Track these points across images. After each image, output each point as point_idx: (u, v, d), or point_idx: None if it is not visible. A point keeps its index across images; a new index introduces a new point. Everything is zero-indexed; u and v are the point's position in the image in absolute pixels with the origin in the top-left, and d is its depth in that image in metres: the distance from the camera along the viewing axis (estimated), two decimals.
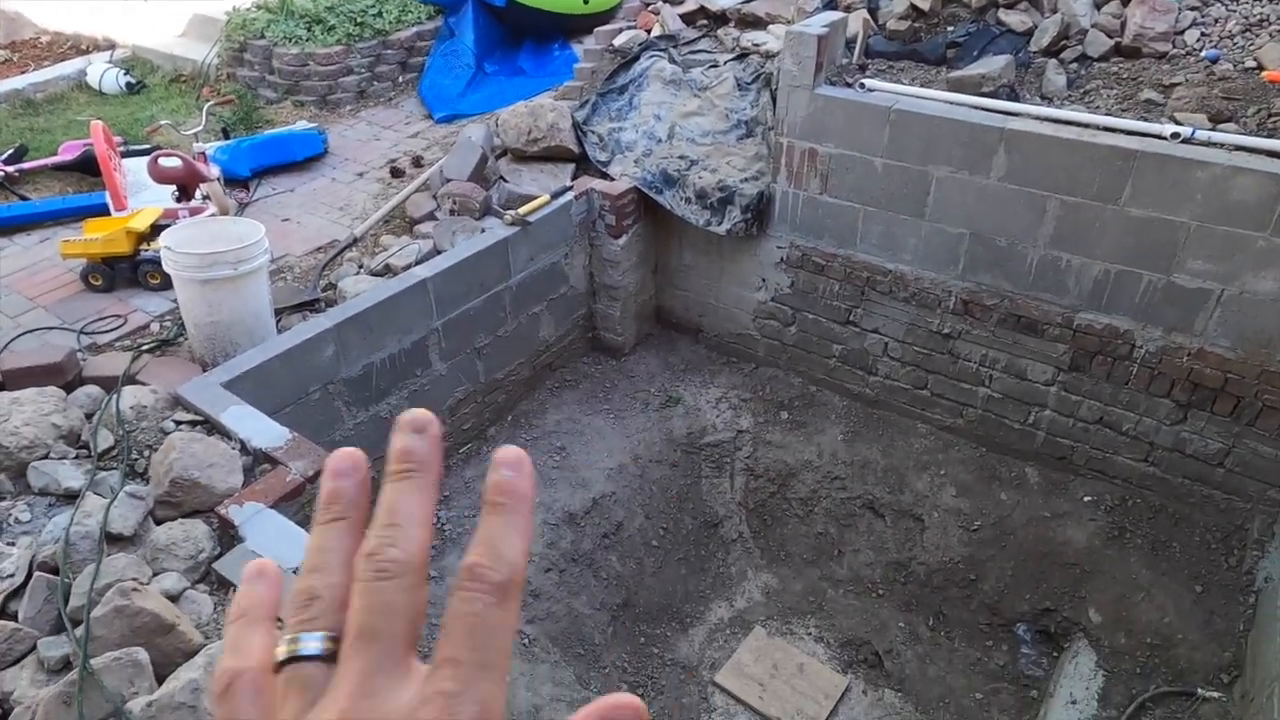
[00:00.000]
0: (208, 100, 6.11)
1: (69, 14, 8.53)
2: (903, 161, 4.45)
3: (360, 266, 4.99)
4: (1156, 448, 4.37)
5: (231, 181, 5.75)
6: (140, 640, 2.43)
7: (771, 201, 5.01)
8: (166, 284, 4.34)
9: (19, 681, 2.41)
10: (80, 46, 8.28)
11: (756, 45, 5.50)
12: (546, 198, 4.96)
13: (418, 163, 6.04)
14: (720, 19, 5.95)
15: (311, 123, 6.55)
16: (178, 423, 3.47)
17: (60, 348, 3.84)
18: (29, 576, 2.70)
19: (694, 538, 5.05)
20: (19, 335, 4.22)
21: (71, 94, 7.24)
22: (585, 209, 5.18)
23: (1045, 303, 4.36)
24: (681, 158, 5.23)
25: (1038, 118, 4.21)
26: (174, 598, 2.69)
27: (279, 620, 0.43)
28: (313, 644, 0.40)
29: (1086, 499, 4.57)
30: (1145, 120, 4.12)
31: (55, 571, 2.71)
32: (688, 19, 6.04)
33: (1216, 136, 3.85)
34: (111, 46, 8.05)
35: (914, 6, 5.11)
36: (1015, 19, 4.90)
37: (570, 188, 5.15)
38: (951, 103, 4.42)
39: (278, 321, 4.41)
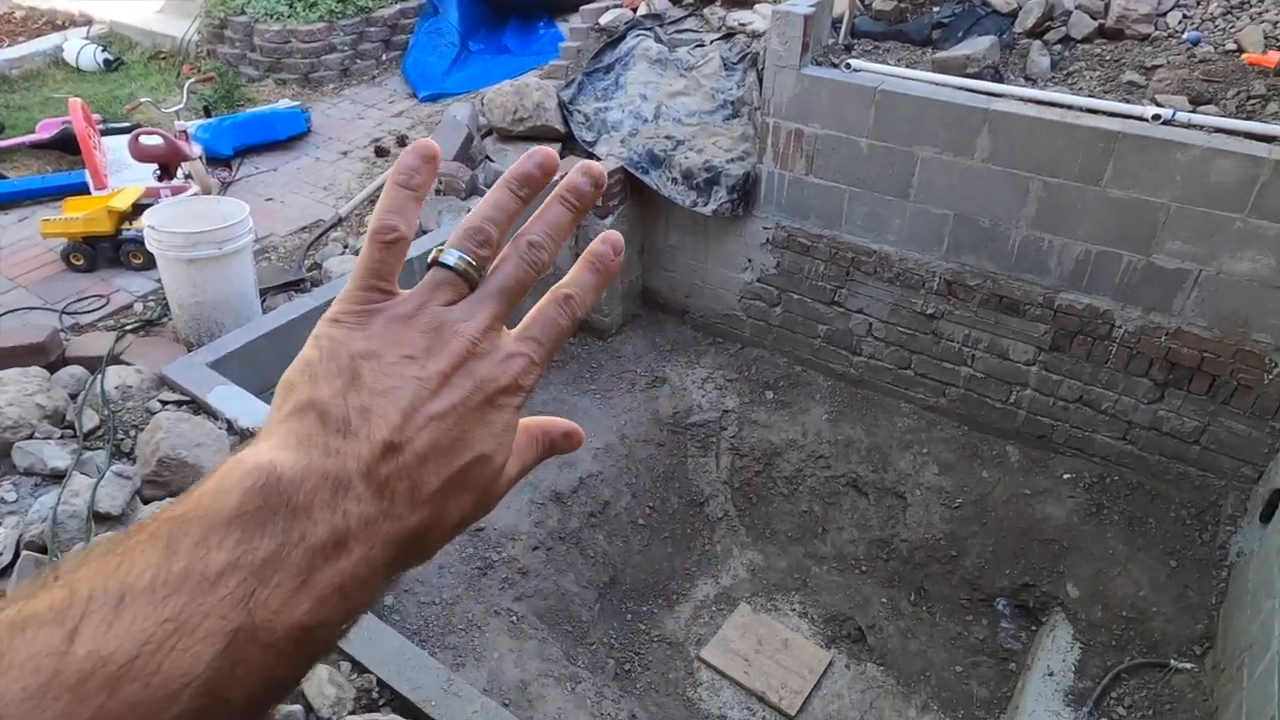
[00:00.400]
0: (188, 78, 6.04)
1: None
2: (888, 142, 4.47)
3: (345, 246, 4.97)
4: (1134, 426, 4.45)
5: (214, 160, 5.70)
6: None
7: (757, 182, 5.02)
8: (149, 264, 4.32)
9: None
10: (56, 22, 8.14)
11: (743, 25, 5.49)
12: None
13: (402, 142, 6.00)
14: None
15: (294, 101, 6.49)
16: (163, 403, 3.46)
17: (43, 328, 3.82)
18: (16, 555, 2.70)
19: (680, 516, 5.10)
20: (0, 315, 4.19)
21: (48, 70, 7.13)
22: None
23: (1027, 283, 4.41)
24: (668, 138, 5.23)
25: (1021, 99, 4.24)
26: None
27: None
28: (462, 264, 0.49)
29: (1066, 476, 4.65)
30: (1127, 102, 4.16)
31: (43, 550, 2.71)
32: None
33: (1196, 118, 3.89)
34: (88, 22, 7.92)
35: None
36: (1000, 0, 4.91)
37: None
38: (936, 84, 4.44)
39: (262, 301, 4.40)
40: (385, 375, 0.44)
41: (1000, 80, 4.51)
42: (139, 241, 4.32)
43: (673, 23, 5.83)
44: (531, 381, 0.49)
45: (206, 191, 4.82)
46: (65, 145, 5.57)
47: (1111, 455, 4.58)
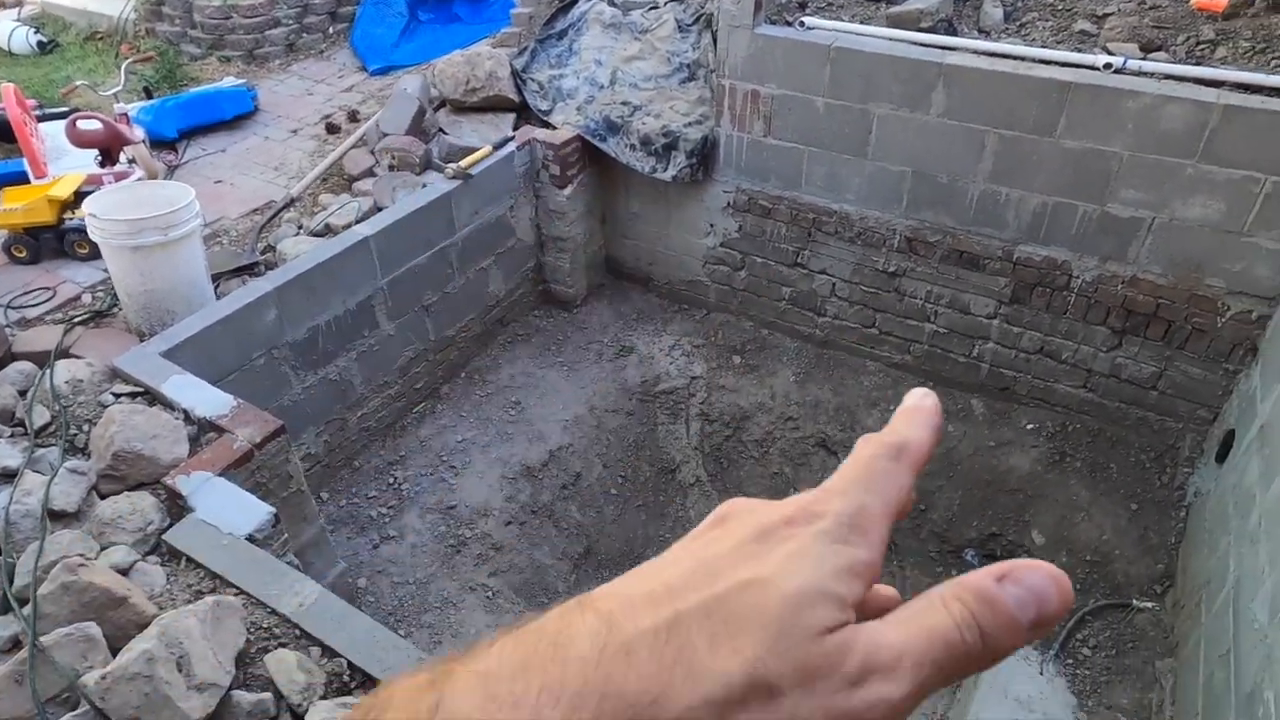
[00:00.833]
0: (126, 58, 5.83)
1: None
2: (844, 100, 4.44)
3: (299, 227, 4.87)
4: (1094, 374, 4.52)
5: (158, 143, 5.54)
6: (91, 615, 2.40)
7: (716, 146, 4.98)
8: (96, 253, 4.20)
9: None
10: None
11: None
12: (488, 149, 4.86)
13: (353, 117, 5.87)
14: None
15: (239, 79, 6.31)
16: (116, 395, 3.38)
17: None
18: None
19: (652, 484, 5.12)
20: None
21: None
22: (528, 159, 5.09)
23: (986, 237, 4.43)
24: (624, 104, 5.16)
25: (975, 52, 4.23)
26: (124, 570, 2.66)
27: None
28: None
29: (1029, 427, 4.73)
30: (1079, 51, 4.16)
31: None
32: None
33: (1147, 66, 3.91)
34: (19, 3, 7.61)
35: None
36: None
37: (512, 138, 5.05)
38: (891, 39, 4.40)
39: (216, 287, 4.31)
40: None
41: (954, 33, 4.49)
42: (83, 230, 4.19)
43: None
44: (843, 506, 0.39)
45: (152, 176, 4.67)
46: (0, 133, 5.38)
47: (1072, 404, 4.66)
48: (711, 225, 5.28)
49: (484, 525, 4.39)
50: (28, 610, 2.38)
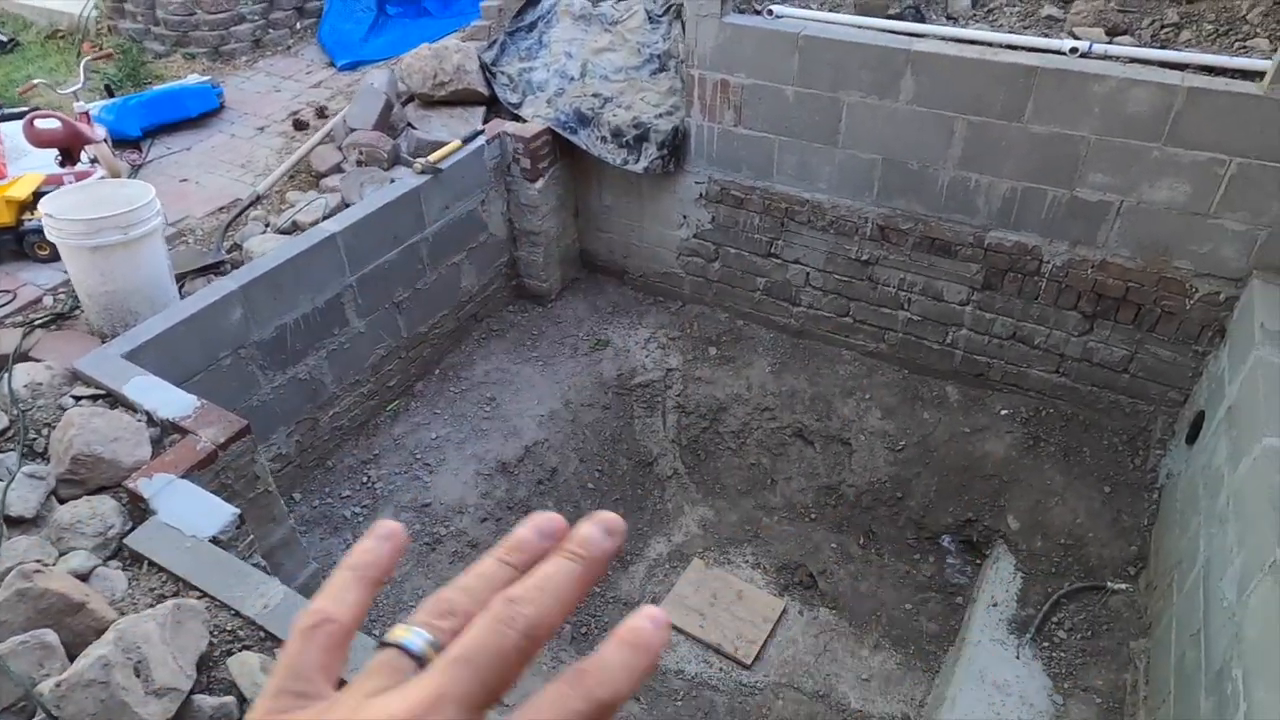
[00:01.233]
0: (87, 56, 5.72)
1: None
2: (814, 89, 4.42)
3: (266, 225, 4.80)
4: (1066, 359, 4.54)
5: (122, 142, 5.44)
6: (48, 621, 2.35)
7: (687, 136, 4.95)
8: (57, 255, 4.11)
9: None
10: None
11: None
12: (457, 143, 4.81)
13: (322, 113, 5.79)
14: None
15: (204, 76, 6.21)
16: (77, 398, 3.32)
17: None
18: None
19: (630, 478, 5.10)
20: None
21: None
22: (499, 153, 5.05)
23: (957, 223, 4.44)
24: (595, 96, 5.12)
25: (943, 38, 4.22)
26: (83, 576, 2.61)
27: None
28: (419, 643, 0.41)
29: (1003, 412, 4.74)
30: (1046, 36, 4.16)
31: None
32: None
33: (1113, 50, 3.91)
34: None
35: None
36: None
37: (482, 132, 5.00)
38: (859, 26, 4.39)
39: (181, 287, 4.24)
40: None
41: (922, 20, 4.49)
42: (43, 232, 4.10)
43: None
44: None
45: (115, 175, 4.58)
46: None
47: (1046, 389, 4.68)
48: (685, 217, 5.25)
49: (459, 522, 4.36)
50: None
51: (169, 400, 3.29)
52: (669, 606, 4.55)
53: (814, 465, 5.03)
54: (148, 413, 3.25)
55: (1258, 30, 3.94)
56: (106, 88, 5.71)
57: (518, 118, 5.25)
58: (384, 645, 0.42)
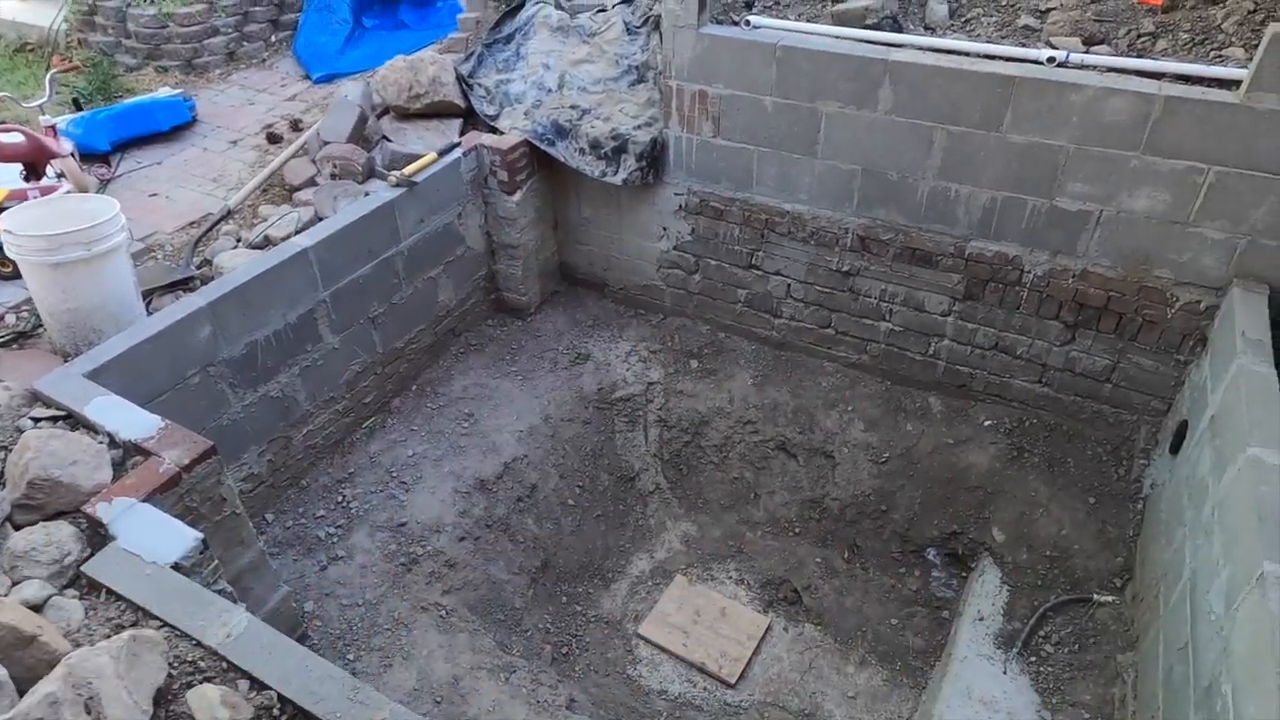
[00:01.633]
0: (55, 69, 5.62)
1: None
2: (792, 99, 4.39)
3: (238, 240, 4.71)
4: (1049, 369, 4.51)
5: (90, 157, 5.34)
6: None
7: (665, 148, 4.91)
8: (19, 272, 4.00)
9: None
10: None
11: None
12: (433, 156, 4.75)
13: (296, 126, 5.71)
14: None
15: (176, 89, 6.11)
16: (36, 420, 3.21)
17: None
18: None
19: (611, 493, 5.02)
20: None
21: None
22: (475, 165, 4.98)
23: (938, 234, 4.41)
24: (573, 107, 5.07)
25: (920, 48, 4.20)
26: (37, 607, 2.50)
27: None
28: None
29: (987, 423, 4.71)
30: (1023, 46, 4.16)
31: None
32: None
33: (1090, 59, 3.91)
34: None
35: None
36: None
37: (458, 144, 4.94)
38: (837, 37, 4.37)
39: (148, 304, 4.14)
40: None
41: (900, 30, 4.47)
42: (3, 248, 4.00)
43: None
44: None
45: (82, 190, 4.49)
46: None
47: (1029, 399, 4.65)
48: (664, 229, 5.20)
49: (436, 542, 4.26)
50: None
51: (131, 421, 3.18)
52: (652, 624, 4.48)
53: (797, 478, 4.97)
54: (109, 434, 3.14)
55: (1233, 40, 3.94)
56: (74, 101, 5.61)
57: (495, 130, 5.20)
58: None
